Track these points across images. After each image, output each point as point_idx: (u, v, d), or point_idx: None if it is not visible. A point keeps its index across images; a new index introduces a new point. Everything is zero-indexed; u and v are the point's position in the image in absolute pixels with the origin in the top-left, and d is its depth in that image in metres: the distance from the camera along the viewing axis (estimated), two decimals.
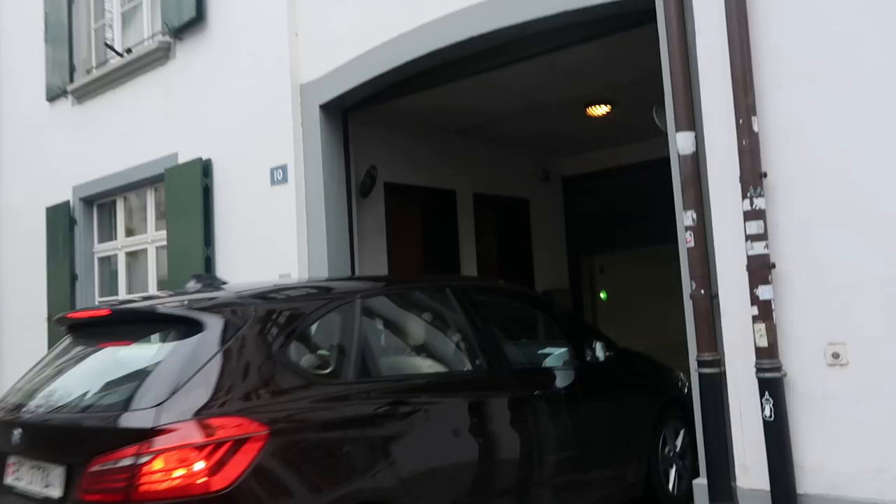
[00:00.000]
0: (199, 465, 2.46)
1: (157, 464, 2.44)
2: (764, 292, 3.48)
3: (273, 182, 6.15)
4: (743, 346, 3.61)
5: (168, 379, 2.63)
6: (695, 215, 3.79)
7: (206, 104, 6.80)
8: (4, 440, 2.94)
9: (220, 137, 6.63)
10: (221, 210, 6.62)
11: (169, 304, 3.19)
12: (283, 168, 6.07)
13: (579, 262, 9.68)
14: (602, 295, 9.75)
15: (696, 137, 3.83)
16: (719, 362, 3.73)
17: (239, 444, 2.55)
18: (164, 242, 7.17)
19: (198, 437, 2.50)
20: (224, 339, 2.76)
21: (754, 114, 3.55)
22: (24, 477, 2.91)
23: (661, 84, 6.32)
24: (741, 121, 3.56)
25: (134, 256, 7.97)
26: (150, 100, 7.38)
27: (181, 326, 2.87)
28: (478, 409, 3.44)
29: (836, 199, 3.39)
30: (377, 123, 6.87)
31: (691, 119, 3.84)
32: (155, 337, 3.02)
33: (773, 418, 3.44)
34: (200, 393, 2.60)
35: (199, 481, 2.45)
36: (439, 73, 5.66)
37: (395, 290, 3.74)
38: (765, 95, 3.56)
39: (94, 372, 3.08)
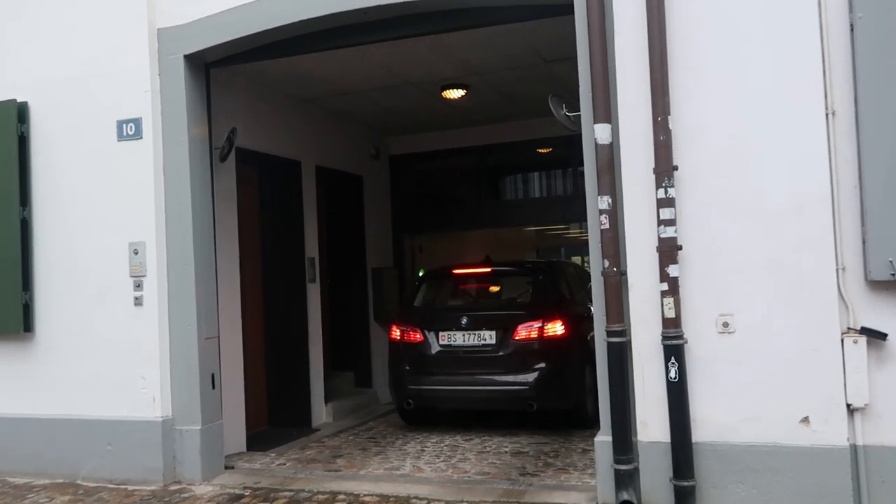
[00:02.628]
0: (561, 327, 6.40)
1: (549, 325, 6.37)
2: (673, 270, 3.98)
3: (121, 137, 5.41)
4: (648, 317, 4.10)
5: (541, 293, 6.91)
6: (610, 200, 4.19)
7: (21, 36, 5.74)
8: (450, 321, 6.61)
9: (43, 78, 5.65)
10: (42, 164, 5.67)
11: (515, 265, 7.96)
12: (137, 122, 5.37)
13: (403, 241, 9.88)
14: (420, 273, 10.07)
15: (612, 129, 4.22)
16: (625, 332, 4.19)
17: (567, 320, 6.45)
18: None
19: (561, 318, 6.44)
20: (546, 278, 7.21)
21: (669, 113, 4.02)
22: (458, 339, 6.54)
23: (515, 75, 6.83)
24: (659, 118, 4.01)
25: None
26: None
27: (526, 273, 7.37)
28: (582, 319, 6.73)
29: (730, 192, 4.00)
30: (233, 83, 6.37)
31: (608, 112, 4.21)
32: (516, 279, 7.36)
33: (676, 379, 3.97)
34: (549, 303, 6.73)
35: (560, 333, 6.38)
36: (320, 39, 5.41)
37: (562, 263, 8.52)
38: (676, 98, 4.06)
39: (494, 292, 7.34)
